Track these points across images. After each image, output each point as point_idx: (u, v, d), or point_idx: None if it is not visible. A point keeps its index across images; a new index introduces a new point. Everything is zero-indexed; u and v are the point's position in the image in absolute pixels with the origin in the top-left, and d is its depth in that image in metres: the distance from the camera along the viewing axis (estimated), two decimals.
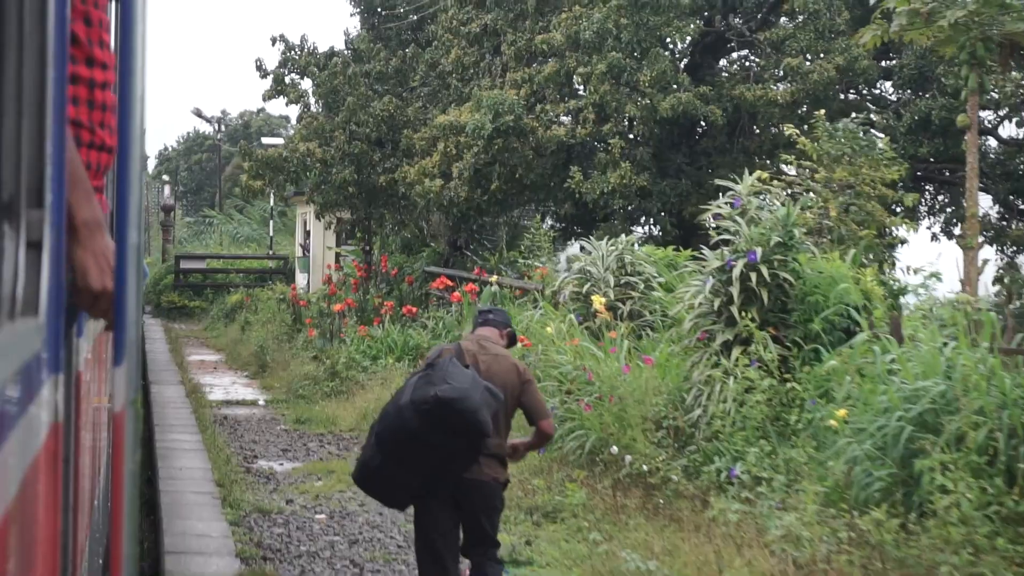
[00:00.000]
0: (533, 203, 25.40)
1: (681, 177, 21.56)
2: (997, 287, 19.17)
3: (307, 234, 36.02)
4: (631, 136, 21.71)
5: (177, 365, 22.70)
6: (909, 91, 22.35)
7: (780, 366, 10.55)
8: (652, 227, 22.25)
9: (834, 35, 20.65)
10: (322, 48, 27.17)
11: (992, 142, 22.34)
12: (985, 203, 22.76)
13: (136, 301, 2.29)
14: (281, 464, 13.60)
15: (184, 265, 38.07)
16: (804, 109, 21.34)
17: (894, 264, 14.39)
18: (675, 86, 21.02)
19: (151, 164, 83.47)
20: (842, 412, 8.92)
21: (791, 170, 18.91)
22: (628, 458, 10.35)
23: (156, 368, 21.54)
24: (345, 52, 26.68)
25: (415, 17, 27.42)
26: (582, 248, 25.08)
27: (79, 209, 2.49)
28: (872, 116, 20.45)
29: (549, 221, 27.93)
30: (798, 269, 11.00)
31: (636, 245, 15.26)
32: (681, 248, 15.75)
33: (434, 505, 6.61)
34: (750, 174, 12.64)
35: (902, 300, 12.49)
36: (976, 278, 13.78)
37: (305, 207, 33.84)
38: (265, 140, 39.67)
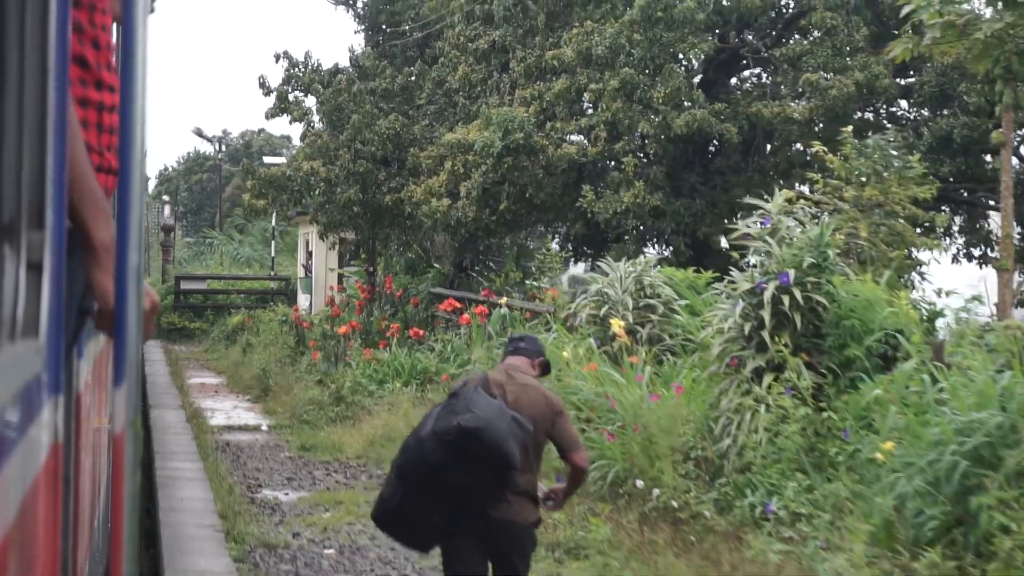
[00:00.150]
0: (542, 223, 24.86)
1: (695, 197, 21.03)
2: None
3: (309, 255, 35.55)
4: (644, 154, 21.20)
5: (177, 388, 22.14)
6: (925, 110, 21.85)
7: (814, 394, 10.01)
8: (664, 248, 21.69)
9: (852, 52, 20.15)
10: (326, 65, 26.69)
11: (1013, 160, 21.81)
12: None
13: (136, 322, 2.30)
14: (286, 494, 13.03)
15: (184, 286, 37.53)
16: (821, 126, 20.84)
17: (915, 286, 13.84)
18: (689, 103, 20.52)
19: (151, 184, 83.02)
20: (889, 445, 8.37)
21: (806, 189, 18.47)
22: (656, 491, 9.79)
23: (156, 391, 20.98)
24: (350, 69, 26.15)
25: (421, 34, 26.90)
26: (595, 267, 24.62)
27: (97, 230, 2.48)
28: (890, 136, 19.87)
29: (556, 242, 27.41)
30: (833, 292, 10.46)
31: (654, 266, 14.69)
32: (699, 269, 15.18)
33: (462, 545, 6.08)
34: (767, 194, 12.11)
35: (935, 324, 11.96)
36: (1011, 301, 13.24)
37: (307, 227, 33.39)
38: (267, 160, 39.14)
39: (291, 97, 26.29)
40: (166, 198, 65.48)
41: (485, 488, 5.88)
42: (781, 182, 21.41)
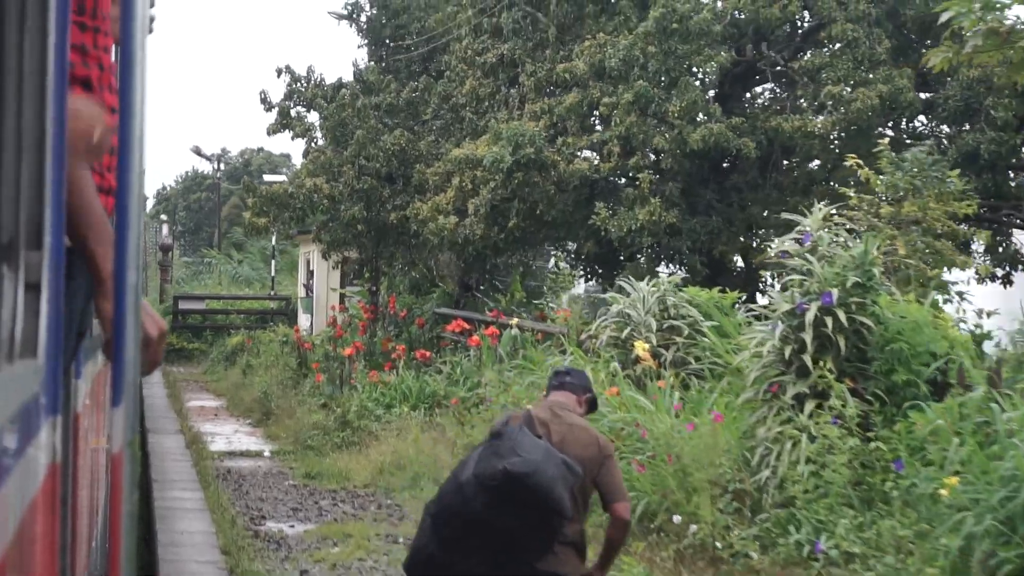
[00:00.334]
0: (552, 241, 24.19)
1: (711, 214, 20.37)
2: None
3: (310, 274, 34.91)
4: (659, 170, 20.55)
5: (176, 412, 21.45)
6: (945, 125, 21.23)
7: (860, 423, 9.35)
8: (679, 267, 20.99)
9: (874, 64, 19.51)
10: (329, 80, 26.05)
11: None
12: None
13: (135, 341, 2.30)
14: (292, 526, 12.33)
15: (183, 306, 36.87)
16: (843, 141, 20.20)
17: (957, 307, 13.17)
18: (705, 117, 19.87)
19: (149, 204, 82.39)
20: (953, 479, 7.69)
21: (820, 206, 17.85)
22: (693, 527, 9.10)
23: (154, 415, 20.29)
24: (354, 84, 25.49)
25: (426, 48, 26.26)
26: (605, 289, 23.94)
27: (105, 262, 2.48)
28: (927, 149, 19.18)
29: (565, 261, 26.74)
30: (878, 313, 9.80)
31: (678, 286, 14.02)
32: (724, 290, 14.50)
33: None
34: (786, 211, 11.46)
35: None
36: None
37: (308, 246, 32.76)
38: (267, 178, 38.53)
39: (293, 112, 25.67)
40: (164, 217, 64.88)
41: (530, 538, 5.21)
42: (800, 199, 20.80)
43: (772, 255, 11.13)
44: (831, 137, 20.19)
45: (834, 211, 11.49)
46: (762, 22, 20.42)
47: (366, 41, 29.04)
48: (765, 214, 21.17)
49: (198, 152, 61.62)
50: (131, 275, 2.28)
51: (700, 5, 20.31)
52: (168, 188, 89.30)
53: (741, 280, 20.92)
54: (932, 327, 10.06)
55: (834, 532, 8.36)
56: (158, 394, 23.88)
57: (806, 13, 21.67)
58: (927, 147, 14.09)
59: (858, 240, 10.82)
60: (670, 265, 21.45)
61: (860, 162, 12.67)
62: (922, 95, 20.90)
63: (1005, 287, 21.14)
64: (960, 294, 12.50)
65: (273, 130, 25.68)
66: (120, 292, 2.29)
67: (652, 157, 20.97)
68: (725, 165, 21.44)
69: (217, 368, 30.67)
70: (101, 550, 4.57)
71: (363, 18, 29.13)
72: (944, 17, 12.53)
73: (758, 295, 21.03)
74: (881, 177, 12.67)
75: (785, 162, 21.63)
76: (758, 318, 11.93)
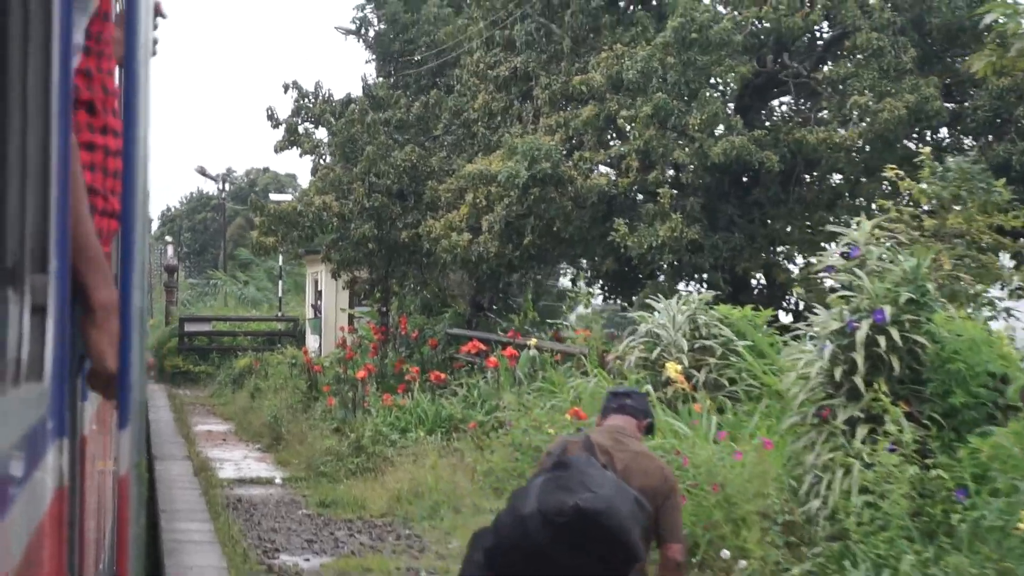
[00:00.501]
0: (568, 259, 23.57)
1: (733, 230, 19.76)
2: None
3: (319, 294, 34.33)
4: (679, 185, 19.97)
5: (183, 436, 20.82)
6: (969, 137, 20.63)
7: (917, 449, 8.73)
8: (700, 284, 20.36)
9: (899, 74, 18.91)
10: (338, 96, 25.49)
11: None
12: None
13: (140, 364, 2.29)
14: (307, 560, 11.72)
15: (189, 328, 36.25)
16: (863, 153, 19.62)
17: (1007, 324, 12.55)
18: (726, 130, 19.28)
19: (154, 225, 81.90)
20: None
21: (844, 221, 17.30)
22: (743, 563, 8.48)
23: (160, 440, 19.68)
24: (363, 99, 24.91)
25: (435, 63, 25.70)
26: (624, 308, 23.33)
27: (96, 291, 2.43)
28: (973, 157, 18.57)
29: (577, 279, 26.11)
30: (933, 331, 9.18)
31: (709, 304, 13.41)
32: (757, 307, 13.88)
33: None
34: (808, 228, 10.86)
35: None
36: None
37: (316, 266, 32.20)
38: (274, 196, 37.93)
39: (301, 129, 25.10)
40: (169, 238, 64.43)
41: None
42: (824, 214, 20.20)
43: (816, 270, 10.51)
44: (856, 149, 19.59)
45: (880, 224, 10.91)
46: (783, 32, 19.87)
47: (374, 56, 28.52)
48: (788, 229, 20.59)
49: (203, 172, 61.10)
50: (136, 297, 2.31)
51: (719, 15, 19.76)
52: (173, 209, 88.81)
53: (764, 298, 20.27)
54: (988, 345, 9.44)
55: (898, 569, 7.74)
56: (164, 418, 23.27)
57: (825, 23, 21.12)
58: (971, 156, 13.50)
59: (899, 255, 10.22)
60: (690, 283, 20.84)
61: (900, 172, 12.07)
62: (949, 106, 20.31)
63: None
64: (1008, 310, 11.90)
65: (280, 147, 25.11)
66: (126, 315, 2.30)
67: (672, 171, 20.39)
68: (745, 179, 20.84)
69: (224, 391, 30.07)
70: (108, 573, 4.57)
71: (371, 33, 28.62)
72: (987, 19, 11.99)
73: (780, 313, 20.44)
74: (923, 187, 12.06)
75: (807, 176, 21.03)
76: (796, 337, 11.34)
